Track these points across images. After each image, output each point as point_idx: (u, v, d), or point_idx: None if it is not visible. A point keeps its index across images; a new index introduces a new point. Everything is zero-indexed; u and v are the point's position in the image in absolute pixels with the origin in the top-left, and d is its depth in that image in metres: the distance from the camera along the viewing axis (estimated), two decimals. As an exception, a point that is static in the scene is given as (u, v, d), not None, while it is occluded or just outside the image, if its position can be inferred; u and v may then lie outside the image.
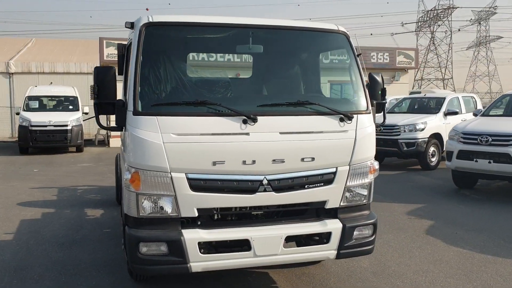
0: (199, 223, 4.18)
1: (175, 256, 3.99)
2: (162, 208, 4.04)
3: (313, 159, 4.28)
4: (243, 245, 4.15)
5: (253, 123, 4.11)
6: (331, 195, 4.40)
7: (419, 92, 25.41)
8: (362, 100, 4.63)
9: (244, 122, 4.10)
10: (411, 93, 25.43)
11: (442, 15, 74.22)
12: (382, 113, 4.92)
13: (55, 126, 17.26)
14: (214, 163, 4.05)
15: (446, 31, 75.39)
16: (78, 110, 18.59)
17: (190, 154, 4.02)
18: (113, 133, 20.72)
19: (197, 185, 4.05)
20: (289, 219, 4.41)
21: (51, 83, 25.56)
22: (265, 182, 4.17)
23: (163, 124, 3.99)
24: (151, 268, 4.06)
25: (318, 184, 4.35)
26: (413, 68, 26.18)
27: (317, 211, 4.47)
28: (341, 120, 4.38)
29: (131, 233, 4.05)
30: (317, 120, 4.34)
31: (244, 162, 4.10)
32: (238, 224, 4.27)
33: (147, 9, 39.67)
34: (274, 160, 4.17)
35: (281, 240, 4.19)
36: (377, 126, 4.90)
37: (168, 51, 4.53)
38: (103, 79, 4.14)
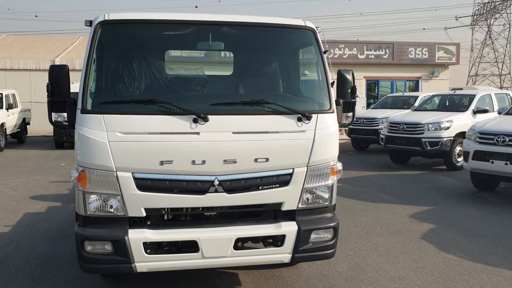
0: (148, 223, 4.14)
1: (120, 255, 3.97)
2: (108, 207, 4.03)
3: (267, 159, 4.15)
4: (191, 246, 4.08)
5: (203, 122, 4.03)
6: (288, 197, 4.25)
7: (461, 89, 24.41)
8: (324, 98, 4.45)
9: (195, 121, 4.03)
10: (452, 89, 24.47)
11: (500, 8, 70.85)
12: (351, 112, 4.72)
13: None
14: (162, 163, 3.99)
15: (504, 24, 71.90)
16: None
17: (136, 153, 3.98)
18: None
19: (144, 184, 4.01)
20: (242, 220, 4.29)
21: None
22: (216, 182, 4.08)
23: (109, 122, 3.97)
24: (96, 267, 4.07)
25: (273, 186, 4.21)
26: (454, 64, 25.22)
27: (275, 213, 4.33)
28: (299, 119, 4.22)
29: (77, 231, 4.07)
30: (274, 120, 4.21)
31: (193, 162, 4.02)
32: (187, 225, 4.20)
33: (196, 7, 39.89)
34: (225, 161, 4.06)
35: (231, 242, 4.09)
36: (344, 125, 4.71)
37: (123, 49, 4.53)
38: (56, 77, 4.17)
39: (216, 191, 4.09)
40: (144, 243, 4.00)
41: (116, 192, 3.98)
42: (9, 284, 4.94)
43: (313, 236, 4.30)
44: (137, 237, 3.98)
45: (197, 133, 4.04)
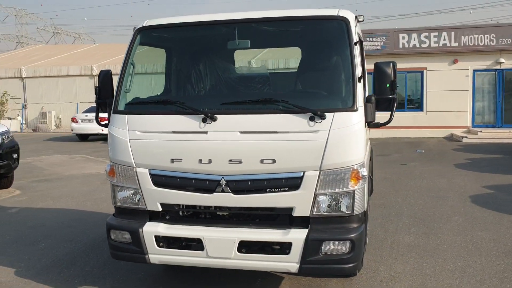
0: (167, 217, 4.34)
1: (136, 246, 4.26)
2: (131, 200, 4.35)
3: (274, 161, 3.95)
4: (198, 244, 4.14)
5: (211, 122, 4.05)
6: (299, 202, 3.97)
7: None
8: (347, 95, 4.01)
9: (204, 120, 4.08)
10: None
11: None
12: (390, 111, 4.15)
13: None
14: (172, 161, 4.15)
15: None
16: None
17: (152, 150, 4.22)
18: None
19: (158, 181, 4.22)
20: (248, 223, 4.16)
21: None
22: (223, 182, 4.06)
23: (131, 122, 4.29)
24: (119, 254, 4.42)
25: (282, 189, 3.99)
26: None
27: (290, 218, 4.09)
28: (311, 119, 3.90)
29: (108, 220, 4.49)
30: (284, 119, 3.97)
31: (200, 161, 4.08)
32: (196, 222, 4.26)
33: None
34: (230, 160, 4.02)
35: (234, 244, 4.01)
36: (377, 125, 4.17)
37: (156, 53, 4.77)
38: (102, 80, 4.65)
39: (223, 191, 4.06)
40: (156, 236, 4.20)
41: (136, 187, 4.28)
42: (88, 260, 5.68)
43: (325, 247, 3.92)
44: (150, 230, 4.22)
45: (205, 133, 4.07)
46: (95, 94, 4.67)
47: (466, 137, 18.73)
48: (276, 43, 4.82)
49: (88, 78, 30.75)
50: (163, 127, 4.21)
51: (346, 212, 3.99)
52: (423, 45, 20.09)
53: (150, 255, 4.24)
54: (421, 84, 20.71)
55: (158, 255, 4.23)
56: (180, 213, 4.34)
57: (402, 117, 20.44)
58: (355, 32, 4.14)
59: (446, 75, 20.25)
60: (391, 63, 4.08)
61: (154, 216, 4.34)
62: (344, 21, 4.15)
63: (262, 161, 3.97)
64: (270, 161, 3.96)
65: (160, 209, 4.27)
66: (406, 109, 20.83)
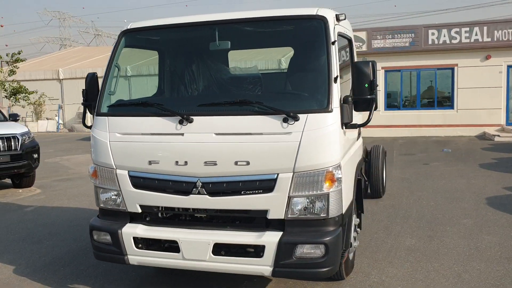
0: (147, 219, 4.37)
1: (115, 247, 4.32)
2: (113, 201, 4.41)
3: (248, 163, 3.92)
4: (174, 246, 4.15)
5: (186, 124, 4.06)
6: (272, 205, 3.92)
7: None
8: (321, 96, 3.93)
9: (180, 122, 4.09)
10: None
11: None
12: (369, 111, 4.04)
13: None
14: (150, 163, 4.18)
15: None
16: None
17: (130, 152, 4.26)
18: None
19: (137, 182, 4.26)
20: (223, 225, 4.14)
21: None
22: (199, 184, 4.06)
23: (112, 124, 4.35)
24: (100, 254, 4.48)
25: (256, 191, 3.95)
26: None
27: (266, 221, 4.04)
28: (285, 120, 3.85)
29: (91, 221, 4.57)
30: (259, 121, 3.94)
31: (176, 163, 4.09)
32: (174, 224, 4.27)
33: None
34: (206, 162, 4.01)
35: (209, 246, 4.01)
36: (355, 126, 4.06)
37: (139, 55, 4.80)
38: (88, 83, 4.72)
39: (199, 193, 4.06)
40: (135, 238, 4.24)
41: (117, 188, 4.33)
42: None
43: (298, 250, 3.87)
44: (128, 231, 4.26)
45: (182, 134, 4.08)
46: (83, 96, 4.75)
47: (498, 135, 18.05)
48: (256, 44, 4.77)
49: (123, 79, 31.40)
50: (141, 129, 4.24)
51: (321, 215, 3.92)
52: (453, 41, 19.47)
53: (129, 256, 4.28)
54: (451, 81, 20.08)
55: (136, 256, 4.26)
56: (160, 215, 4.36)
57: (432, 116, 19.95)
58: (333, 31, 4.05)
59: (478, 72, 19.57)
60: (370, 63, 3.96)
61: (135, 218, 4.38)
62: (322, 20, 4.06)
63: (236, 163, 3.94)
64: (244, 163, 3.93)
65: (140, 210, 4.30)
66: (436, 107, 20.27)
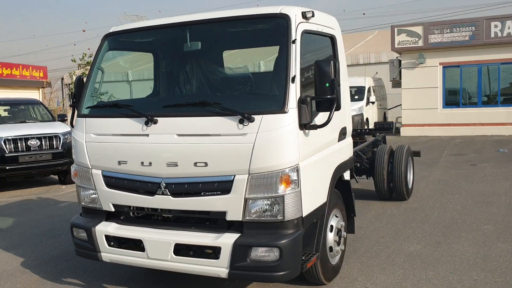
0: (121, 217, 4.49)
1: (90, 244, 4.47)
2: (91, 200, 4.57)
3: (206, 164, 3.92)
4: (140, 245, 4.22)
5: (151, 124, 4.12)
6: (230, 206, 3.90)
7: None
8: (277, 96, 3.84)
9: (146, 123, 4.16)
10: None
11: None
12: (329, 111, 3.89)
13: (336, 115, 18.38)
14: (119, 163, 4.29)
15: None
16: (362, 99, 19.13)
17: (103, 152, 4.40)
18: (403, 121, 20.39)
19: (109, 182, 4.39)
20: (185, 226, 4.16)
21: (377, 73, 27.04)
22: (163, 185, 4.12)
23: (88, 125, 4.51)
24: (78, 251, 4.67)
25: (215, 193, 3.94)
26: None
27: (228, 222, 4.02)
28: (241, 121, 3.81)
29: (72, 218, 4.76)
30: (217, 122, 3.93)
31: (142, 164, 4.18)
32: (143, 223, 4.34)
33: None
34: (168, 163, 4.06)
35: (170, 246, 4.05)
36: (314, 127, 3.93)
37: (120, 57, 4.91)
38: (76, 85, 4.92)
39: (163, 193, 4.12)
40: (106, 236, 4.37)
41: (93, 188, 4.49)
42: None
43: (253, 253, 3.81)
44: (101, 229, 4.40)
45: (147, 135, 4.16)
46: (71, 99, 4.96)
47: None
48: (225, 46, 4.71)
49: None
50: (112, 129, 4.36)
51: (278, 218, 3.83)
52: (519, 33, 18.22)
53: (102, 254, 4.42)
54: (517, 77, 18.82)
55: (108, 254, 4.39)
56: (131, 214, 4.46)
57: (494, 113, 18.79)
58: (295, 30, 3.93)
59: (547, 66, 18.20)
60: (331, 61, 3.82)
61: (112, 216, 4.51)
62: (284, 18, 3.97)
63: (195, 164, 3.96)
64: (203, 164, 3.93)
65: (113, 209, 4.43)
66: (499, 105, 19.05)
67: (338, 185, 4.96)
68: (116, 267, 5.41)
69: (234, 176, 3.85)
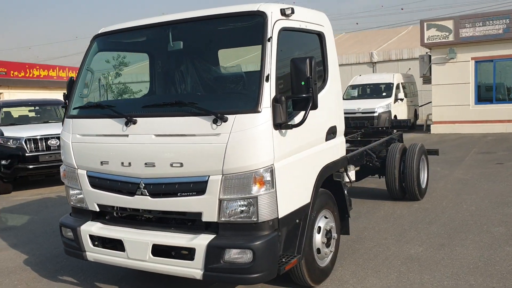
0: (107, 217, 4.52)
1: (76, 243, 4.52)
2: (78, 200, 4.62)
3: (181, 164, 3.90)
4: (121, 246, 4.23)
5: (130, 125, 4.13)
6: (206, 207, 3.86)
7: None
8: (250, 95, 3.77)
9: (126, 124, 4.17)
10: None
11: None
12: (304, 110, 3.79)
13: (363, 113, 18.07)
14: (102, 163, 4.31)
15: None
16: (390, 96, 18.72)
17: (87, 153, 4.44)
18: (434, 118, 19.85)
19: (93, 182, 4.43)
20: (164, 227, 4.14)
21: (410, 69, 26.49)
22: (142, 185, 4.11)
23: (74, 125, 4.56)
24: (67, 250, 4.72)
25: (190, 193, 3.91)
26: None
27: (205, 223, 3.98)
28: (215, 121, 3.76)
29: (61, 218, 4.82)
30: (192, 122, 3.89)
31: (122, 164, 4.19)
32: (125, 224, 4.35)
33: None
34: (146, 164, 4.05)
35: (148, 246, 4.04)
36: (289, 127, 3.82)
37: (107, 59, 4.93)
38: (68, 86, 4.98)
39: (142, 194, 4.12)
40: (90, 235, 4.41)
41: (79, 187, 4.54)
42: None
43: (226, 254, 3.76)
44: (86, 229, 4.44)
45: (127, 136, 4.16)
46: (64, 99, 5.03)
47: None
48: (204, 44, 4.64)
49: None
50: (96, 130, 4.39)
51: (252, 219, 3.76)
52: (557, 25, 17.40)
53: (87, 253, 4.46)
54: (554, 71, 17.99)
55: (93, 253, 4.43)
56: (115, 214, 4.48)
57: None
58: (271, 27, 3.84)
59: None
60: (307, 59, 3.71)
61: (99, 216, 4.55)
62: (261, 16, 3.89)
63: (171, 165, 3.94)
64: (178, 165, 3.90)
65: (98, 209, 4.46)
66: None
67: (329, 185, 4.84)
68: (110, 267, 5.45)
69: (209, 176, 3.80)
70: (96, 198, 4.42)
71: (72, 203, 4.71)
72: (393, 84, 19.32)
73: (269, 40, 3.80)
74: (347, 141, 9.27)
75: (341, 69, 20.68)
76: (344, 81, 22.91)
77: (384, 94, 19.02)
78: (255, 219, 3.76)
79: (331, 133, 4.77)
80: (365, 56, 29.89)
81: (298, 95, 3.75)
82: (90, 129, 4.43)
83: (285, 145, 3.93)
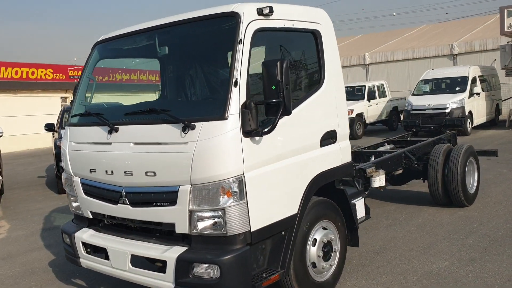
0: (100, 224, 4.53)
1: (72, 249, 4.58)
2: (76, 206, 4.68)
3: (154, 173, 3.80)
4: (107, 254, 4.21)
5: (113, 133, 4.11)
6: (177, 218, 3.72)
7: None
8: (217, 102, 3.58)
9: (109, 132, 4.15)
10: None
11: None
12: (275, 116, 3.52)
13: (433, 109, 17.02)
14: (91, 171, 4.33)
15: None
16: (464, 91, 17.42)
17: (80, 160, 4.48)
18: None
19: (86, 189, 4.46)
20: (144, 237, 4.05)
21: (495, 60, 24.73)
22: (123, 194, 4.07)
23: (71, 133, 4.64)
24: (66, 255, 4.79)
25: (164, 203, 3.79)
26: None
27: (183, 235, 3.84)
28: (184, 129, 3.61)
29: (62, 224, 4.91)
30: (164, 130, 3.78)
31: (106, 172, 4.17)
32: (114, 232, 4.31)
33: None
34: (125, 172, 4.01)
35: (127, 256, 3.98)
36: (258, 134, 3.57)
37: (106, 64, 4.93)
38: (73, 93, 5.07)
39: (123, 202, 4.07)
40: (83, 242, 4.44)
41: (75, 194, 4.60)
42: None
43: (195, 269, 3.59)
44: (79, 236, 4.49)
45: (110, 144, 4.14)
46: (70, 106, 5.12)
47: None
48: (186, 49, 4.43)
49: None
50: (87, 138, 4.42)
51: (221, 232, 3.57)
52: None
53: (81, 260, 4.50)
54: None
55: (85, 260, 4.46)
56: (106, 221, 4.48)
57: None
58: (244, 29, 3.61)
59: None
60: (278, 61, 3.44)
61: (93, 223, 4.57)
62: (233, 17, 3.67)
63: (146, 173, 3.85)
64: (152, 174, 3.81)
65: (90, 216, 4.49)
66: None
67: (334, 194, 4.54)
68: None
69: (179, 186, 3.66)
70: (89, 205, 4.45)
71: (72, 209, 4.79)
72: (468, 77, 17.94)
73: (240, 42, 3.57)
74: (394, 142, 8.81)
75: (418, 63, 19.79)
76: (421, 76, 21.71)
77: (458, 88, 17.73)
78: (223, 232, 3.55)
79: (329, 138, 4.43)
80: (444, 48, 28.19)
81: (268, 100, 3.50)
82: (83, 137, 4.46)
83: (259, 154, 3.68)
